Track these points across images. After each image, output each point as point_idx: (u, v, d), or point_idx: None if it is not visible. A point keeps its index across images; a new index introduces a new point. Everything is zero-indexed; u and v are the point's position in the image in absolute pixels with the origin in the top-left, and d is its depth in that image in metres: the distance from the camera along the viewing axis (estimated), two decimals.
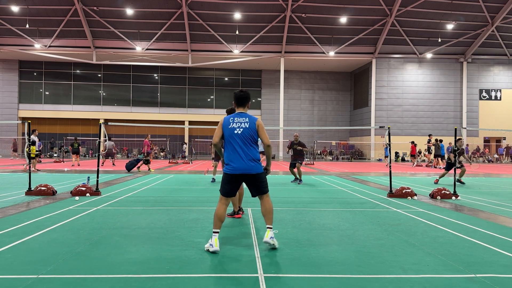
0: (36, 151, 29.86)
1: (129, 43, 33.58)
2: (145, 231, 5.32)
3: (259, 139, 4.72)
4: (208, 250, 4.30)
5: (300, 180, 12.80)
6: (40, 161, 25.71)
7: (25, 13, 30.75)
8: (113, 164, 21.96)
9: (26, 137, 9.15)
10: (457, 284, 3.44)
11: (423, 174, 18.26)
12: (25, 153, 9.91)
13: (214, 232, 4.38)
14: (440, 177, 12.94)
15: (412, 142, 26.70)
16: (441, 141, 24.85)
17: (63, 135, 36.53)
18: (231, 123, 4.57)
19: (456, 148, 10.44)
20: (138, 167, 17.42)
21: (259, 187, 4.61)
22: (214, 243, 4.28)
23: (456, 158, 10.80)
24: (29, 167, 10.05)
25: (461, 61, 35.71)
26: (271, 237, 4.44)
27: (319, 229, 5.61)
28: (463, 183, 12.77)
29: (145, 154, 17.81)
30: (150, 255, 4.17)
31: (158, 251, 4.31)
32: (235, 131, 4.53)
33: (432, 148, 25.59)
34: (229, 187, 4.58)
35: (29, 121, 9.45)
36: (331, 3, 30.52)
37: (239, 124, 4.56)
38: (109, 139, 21.82)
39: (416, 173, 18.99)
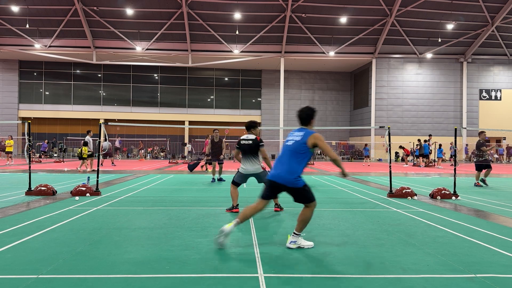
0: (41, 151, 29.89)
1: (129, 43, 33.58)
2: (145, 231, 5.32)
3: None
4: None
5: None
6: (40, 161, 25.73)
7: (25, 13, 30.75)
8: (113, 163, 21.96)
9: (26, 137, 9.13)
10: (457, 284, 3.44)
11: (423, 174, 18.26)
12: (25, 153, 9.88)
13: None
14: (481, 179, 12.44)
15: (400, 147, 27.34)
16: (425, 141, 25.46)
17: (63, 135, 36.54)
18: None
19: (481, 142, 10.48)
20: (202, 166, 17.42)
21: None
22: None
23: (484, 153, 11.01)
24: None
25: (461, 61, 35.71)
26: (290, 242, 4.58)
27: (319, 229, 5.61)
28: (486, 184, 12.32)
29: (206, 153, 17.74)
30: (150, 255, 4.17)
31: (158, 251, 4.31)
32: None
33: (432, 148, 25.70)
34: None
35: (29, 121, 9.43)
36: (331, 3, 30.52)
37: None
38: (106, 140, 21.85)
39: (416, 173, 18.99)
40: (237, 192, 7.05)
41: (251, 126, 7.11)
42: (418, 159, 26.31)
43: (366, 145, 29.49)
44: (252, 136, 6.94)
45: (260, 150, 6.93)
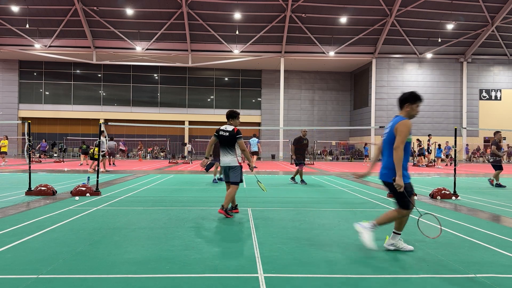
0: (41, 151, 29.92)
1: (129, 43, 33.58)
2: (145, 231, 5.33)
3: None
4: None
5: (302, 181, 12.70)
6: (40, 161, 25.73)
7: (25, 13, 30.75)
8: (114, 164, 21.97)
9: (26, 137, 9.13)
10: (457, 284, 3.44)
11: (424, 174, 18.26)
12: (25, 153, 9.88)
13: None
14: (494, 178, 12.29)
15: None
16: (418, 140, 25.35)
17: (63, 135, 36.55)
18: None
19: (497, 141, 10.43)
20: (217, 167, 17.44)
21: None
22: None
23: (499, 152, 10.98)
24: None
25: (461, 61, 35.70)
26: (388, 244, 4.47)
27: (319, 229, 5.61)
28: (503, 186, 12.10)
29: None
30: (150, 255, 4.17)
31: (158, 251, 4.31)
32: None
33: (432, 148, 25.74)
34: None
35: (29, 121, 9.43)
36: (331, 3, 30.52)
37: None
38: (112, 139, 21.90)
39: (415, 173, 18.98)
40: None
41: (229, 116, 6.64)
42: (418, 159, 26.47)
43: (366, 144, 29.60)
44: (230, 128, 6.50)
45: (237, 142, 6.46)
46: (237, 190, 6.52)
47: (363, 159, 31.19)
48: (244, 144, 6.57)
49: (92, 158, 16.96)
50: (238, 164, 6.46)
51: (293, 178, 12.84)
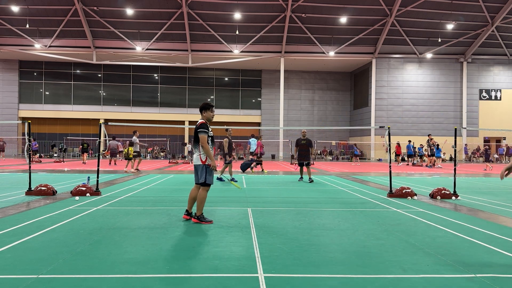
0: (33, 150, 29.97)
1: (129, 43, 33.58)
2: (145, 231, 5.32)
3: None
4: None
5: (311, 180, 13.01)
6: (40, 161, 25.74)
7: (25, 13, 30.75)
8: (115, 163, 21.98)
9: (27, 137, 9.13)
10: (457, 284, 3.44)
11: (424, 174, 18.26)
12: (25, 153, 9.88)
13: None
14: None
15: (397, 143, 27.67)
16: (409, 141, 25.37)
17: (63, 135, 36.55)
18: None
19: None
20: (251, 168, 17.42)
21: None
22: None
23: None
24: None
25: (461, 61, 35.71)
26: None
27: (319, 229, 5.61)
28: None
29: (258, 155, 17.67)
30: (150, 255, 4.17)
31: (158, 251, 4.31)
32: None
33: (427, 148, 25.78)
34: None
35: (29, 121, 9.43)
36: (331, 3, 30.52)
37: None
38: (114, 138, 21.96)
39: (416, 173, 18.99)
40: (191, 194, 6.07)
41: (201, 108, 6.06)
42: (419, 159, 26.54)
43: (355, 145, 29.82)
44: (199, 121, 5.98)
45: (199, 137, 5.82)
46: (207, 192, 5.92)
47: (352, 158, 31.84)
48: (206, 139, 5.79)
49: (127, 158, 17.13)
50: (201, 163, 5.83)
51: (301, 178, 13.37)
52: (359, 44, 34.28)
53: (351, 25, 32.49)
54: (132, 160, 17.01)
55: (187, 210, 6.17)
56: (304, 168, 13.49)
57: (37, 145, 30.41)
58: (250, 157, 18.12)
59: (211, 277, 3.50)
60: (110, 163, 21.72)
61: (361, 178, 14.98)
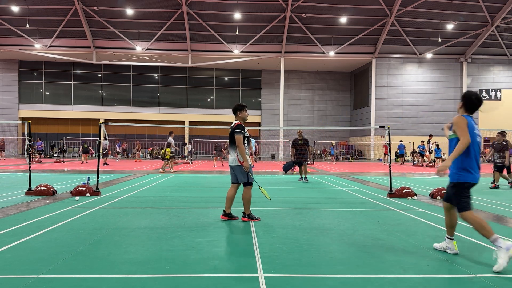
0: (38, 150, 30.08)
1: (129, 43, 33.58)
2: (145, 231, 5.32)
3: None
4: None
5: (306, 179, 13.17)
6: (40, 161, 25.73)
7: (25, 13, 30.75)
8: (105, 163, 21.76)
9: (26, 137, 9.13)
10: (457, 284, 3.44)
11: (424, 174, 18.26)
12: (25, 153, 9.88)
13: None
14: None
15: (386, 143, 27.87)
16: (401, 141, 25.44)
17: (63, 135, 36.52)
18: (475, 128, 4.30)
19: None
20: (293, 169, 17.36)
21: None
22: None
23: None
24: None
25: (461, 61, 35.70)
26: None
27: (319, 229, 5.61)
28: None
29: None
30: (150, 255, 4.17)
31: (158, 251, 4.31)
32: (478, 138, 4.31)
33: (432, 148, 25.77)
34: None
35: (29, 121, 9.43)
36: (331, 3, 30.52)
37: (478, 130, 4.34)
38: (105, 139, 22.00)
39: (416, 173, 18.99)
40: (229, 194, 6.09)
41: (234, 110, 6.24)
42: (420, 159, 26.57)
43: (332, 144, 30.06)
44: (234, 122, 6.09)
45: (235, 138, 5.92)
46: (251, 190, 6.07)
47: (329, 158, 32.44)
48: (242, 140, 5.93)
49: (164, 159, 17.25)
50: (239, 164, 5.96)
51: (301, 178, 13.42)
52: (359, 44, 34.27)
53: (351, 25, 32.49)
54: (170, 161, 17.25)
55: (224, 211, 6.16)
56: (297, 168, 13.77)
57: (42, 144, 30.48)
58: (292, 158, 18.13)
59: (211, 277, 3.50)
60: (103, 163, 21.64)
61: (361, 178, 14.98)
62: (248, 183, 6.00)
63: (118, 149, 31.80)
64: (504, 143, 11.72)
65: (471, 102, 4.36)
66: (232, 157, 6.03)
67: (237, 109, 6.19)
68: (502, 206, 8.11)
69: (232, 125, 6.06)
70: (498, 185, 11.90)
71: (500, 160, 11.78)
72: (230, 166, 6.11)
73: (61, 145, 33.57)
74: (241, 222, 6.03)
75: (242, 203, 6.14)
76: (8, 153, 33.08)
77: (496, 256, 3.79)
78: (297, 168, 17.65)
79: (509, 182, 12.14)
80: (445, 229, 5.67)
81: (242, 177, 5.99)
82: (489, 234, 3.95)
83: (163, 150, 17.61)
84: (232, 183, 6.16)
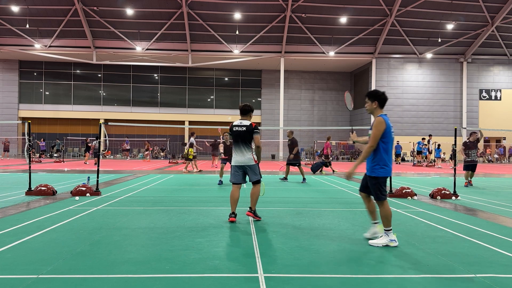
0: (41, 150, 30.10)
1: (129, 43, 33.58)
2: (145, 231, 5.33)
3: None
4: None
5: (285, 178, 13.46)
6: (41, 161, 25.73)
7: (25, 13, 30.74)
8: (95, 163, 21.75)
9: (26, 137, 9.13)
10: (457, 284, 3.44)
11: (424, 174, 18.26)
12: (25, 153, 9.88)
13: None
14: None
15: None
16: (397, 142, 25.66)
17: (63, 135, 36.52)
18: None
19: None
20: (321, 170, 17.35)
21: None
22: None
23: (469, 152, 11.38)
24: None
25: (461, 61, 35.69)
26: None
27: (319, 229, 5.61)
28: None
29: (327, 156, 17.55)
30: (150, 255, 4.18)
31: (158, 251, 4.31)
32: (392, 135, 4.78)
33: (432, 147, 25.81)
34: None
35: (29, 121, 9.43)
36: (331, 3, 30.51)
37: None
38: (96, 139, 22.00)
39: (415, 173, 18.98)
40: (236, 195, 6.08)
41: (247, 110, 6.22)
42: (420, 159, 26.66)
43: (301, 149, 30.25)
44: (247, 122, 6.08)
45: (253, 138, 6.03)
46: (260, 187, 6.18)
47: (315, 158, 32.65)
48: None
49: (187, 159, 17.33)
50: (255, 162, 6.08)
51: (285, 178, 13.60)
52: (359, 44, 34.26)
53: (351, 25, 32.48)
54: (193, 161, 17.37)
55: (233, 212, 6.09)
56: (296, 168, 13.82)
57: (43, 144, 30.60)
58: (322, 158, 18.14)
59: (211, 277, 3.50)
60: (95, 163, 21.63)
61: (361, 178, 14.95)
62: (259, 181, 6.14)
63: (127, 146, 31.89)
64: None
65: (384, 99, 4.74)
66: (247, 157, 6.05)
67: (251, 110, 6.31)
68: (502, 206, 8.11)
69: (248, 124, 6.07)
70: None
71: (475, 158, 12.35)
72: (242, 166, 6.08)
73: (54, 144, 33.52)
74: (241, 222, 6.03)
75: (230, 202, 6.15)
76: (8, 153, 33.07)
77: (381, 236, 4.65)
78: (325, 168, 17.75)
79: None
80: (445, 228, 5.69)
81: (255, 175, 6.11)
82: (388, 224, 4.61)
83: (186, 151, 17.74)
84: (236, 183, 6.12)
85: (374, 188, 4.72)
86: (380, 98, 4.70)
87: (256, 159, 6.10)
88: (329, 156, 17.70)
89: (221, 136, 17.88)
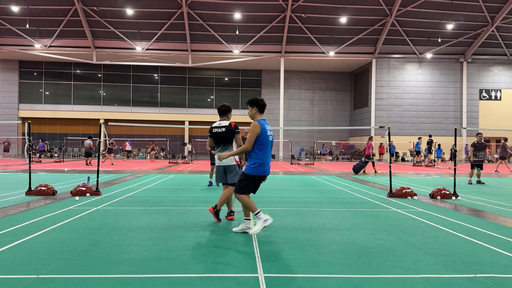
0: (40, 150, 30.08)
1: (129, 43, 33.58)
2: (145, 231, 5.32)
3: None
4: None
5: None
6: (41, 161, 25.73)
7: (25, 13, 30.75)
8: (89, 163, 21.52)
9: (26, 137, 9.13)
10: (457, 284, 3.44)
11: (423, 174, 18.26)
12: (25, 153, 9.88)
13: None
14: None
15: (380, 144, 28.55)
16: (391, 141, 25.88)
17: (63, 135, 36.53)
18: (268, 130, 5.05)
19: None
20: (364, 171, 17.11)
21: None
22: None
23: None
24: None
25: (461, 61, 35.70)
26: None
27: (319, 229, 5.61)
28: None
29: (368, 156, 17.27)
30: (150, 255, 4.17)
31: (158, 251, 4.31)
32: (271, 138, 5.10)
33: (432, 147, 25.81)
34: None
35: (29, 121, 9.43)
36: (331, 3, 30.52)
37: (271, 131, 5.16)
38: (89, 138, 21.91)
39: (415, 173, 18.98)
40: (230, 192, 6.00)
41: (225, 110, 6.21)
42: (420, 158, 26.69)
43: (323, 145, 30.26)
44: (226, 122, 6.05)
45: (235, 138, 5.99)
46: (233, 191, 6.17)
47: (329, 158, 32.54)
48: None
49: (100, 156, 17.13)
50: (235, 163, 5.98)
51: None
52: (359, 44, 34.27)
53: (351, 25, 32.48)
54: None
55: (231, 211, 6.22)
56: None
57: (44, 146, 30.59)
58: (363, 158, 17.90)
59: (211, 277, 3.50)
60: (86, 163, 21.52)
61: (361, 178, 14.98)
62: (234, 184, 5.88)
63: (129, 147, 31.89)
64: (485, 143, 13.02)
65: (262, 105, 5.12)
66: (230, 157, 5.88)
67: (229, 110, 6.29)
68: (502, 206, 8.11)
69: (227, 124, 6.00)
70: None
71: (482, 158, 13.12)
72: (221, 166, 5.99)
73: (46, 144, 33.39)
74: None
75: (226, 202, 6.07)
76: (8, 153, 33.06)
77: (255, 223, 4.94)
78: (368, 169, 17.66)
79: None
80: (445, 228, 5.68)
81: (232, 176, 5.92)
82: (254, 209, 4.97)
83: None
84: (224, 184, 6.11)
85: (240, 181, 5.05)
86: (259, 104, 5.09)
87: (237, 160, 6.04)
88: (371, 156, 17.16)
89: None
